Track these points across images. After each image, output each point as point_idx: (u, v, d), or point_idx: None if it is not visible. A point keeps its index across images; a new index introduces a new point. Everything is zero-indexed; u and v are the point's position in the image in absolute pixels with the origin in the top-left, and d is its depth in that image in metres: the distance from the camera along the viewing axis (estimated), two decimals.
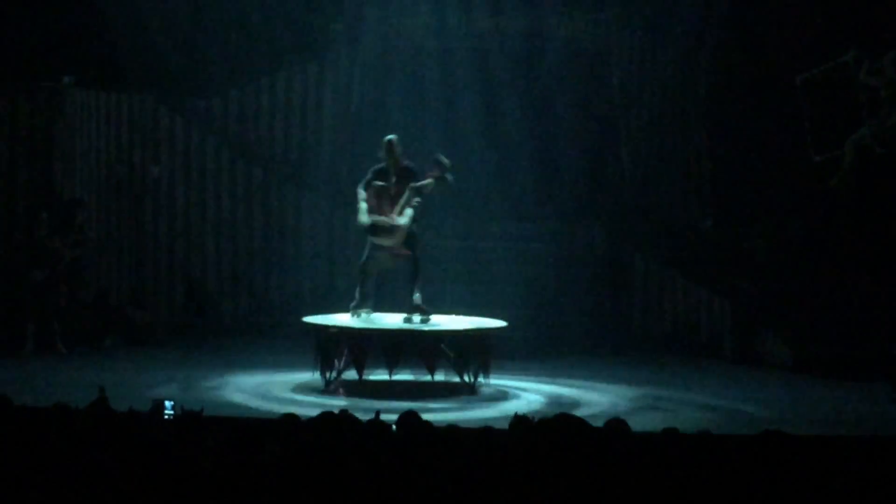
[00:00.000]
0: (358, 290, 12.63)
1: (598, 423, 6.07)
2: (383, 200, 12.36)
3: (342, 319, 12.64)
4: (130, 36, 16.02)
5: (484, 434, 6.19)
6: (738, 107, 15.69)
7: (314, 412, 6.59)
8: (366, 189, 12.39)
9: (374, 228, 12.36)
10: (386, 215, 12.35)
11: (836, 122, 14.56)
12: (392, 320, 12.72)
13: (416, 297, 12.48)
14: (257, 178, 16.72)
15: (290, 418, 6.40)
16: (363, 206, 12.33)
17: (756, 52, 15.48)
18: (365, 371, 12.16)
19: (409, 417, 6.36)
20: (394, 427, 6.37)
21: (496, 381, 12.60)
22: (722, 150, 16.00)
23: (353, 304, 12.62)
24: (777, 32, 15.25)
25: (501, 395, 12.28)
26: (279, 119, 16.88)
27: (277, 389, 12.29)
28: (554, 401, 12.02)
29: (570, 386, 12.89)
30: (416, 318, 12.54)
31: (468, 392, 12.27)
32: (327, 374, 12.28)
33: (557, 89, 16.52)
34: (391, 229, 12.34)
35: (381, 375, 12.24)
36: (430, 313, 12.56)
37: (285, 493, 5.56)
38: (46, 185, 15.14)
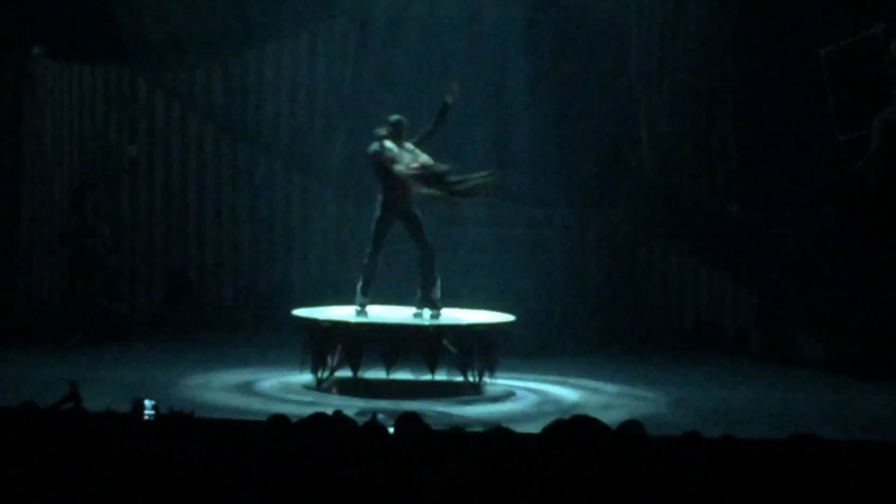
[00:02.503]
0: (364, 285, 12.58)
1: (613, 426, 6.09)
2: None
3: (336, 313, 12.65)
4: (106, 2, 15.99)
5: (489, 437, 6.20)
6: (768, 84, 15.67)
7: (305, 413, 6.60)
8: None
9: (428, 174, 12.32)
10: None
11: (863, 100, 14.57)
12: (392, 314, 12.74)
13: (435, 289, 12.52)
14: (244, 158, 16.72)
15: (279, 419, 6.41)
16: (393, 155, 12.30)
17: (786, 24, 15.46)
18: (360, 369, 12.18)
19: (408, 419, 6.37)
20: (391, 429, 6.38)
21: (503, 381, 12.62)
22: (750, 131, 15.99)
23: (360, 300, 12.58)
24: (804, 2, 15.24)
25: (509, 396, 12.30)
26: (268, 94, 16.86)
27: (265, 388, 12.32)
28: (565, 402, 12.04)
29: (584, 386, 12.91)
30: (427, 312, 12.55)
31: (472, 392, 12.29)
32: (319, 372, 12.30)
33: (572, 63, 16.49)
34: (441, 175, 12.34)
35: (377, 374, 12.26)
36: (441, 308, 12.59)
37: (273, 501, 5.57)
38: (14, 164, 15.15)
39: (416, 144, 12.43)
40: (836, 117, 14.71)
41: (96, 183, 15.45)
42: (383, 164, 12.34)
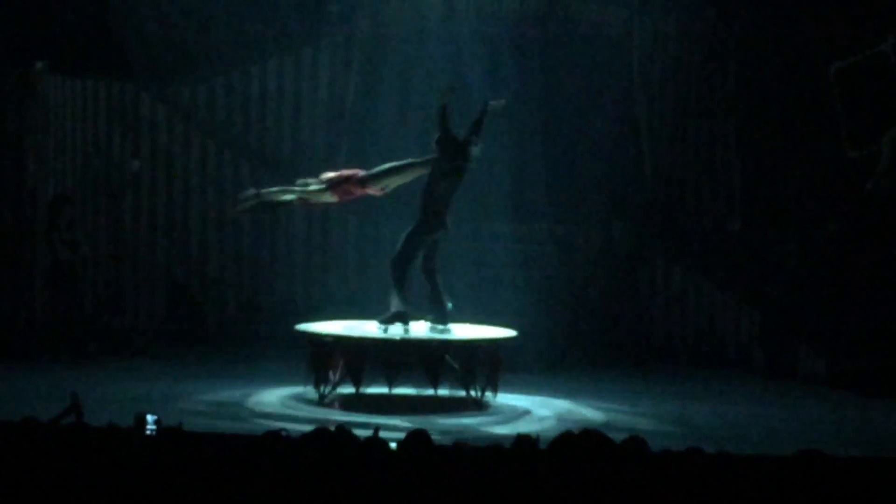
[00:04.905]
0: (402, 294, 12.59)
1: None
2: None
3: (337, 327, 12.63)
4: (109, 18, 16.00)
5: (492, 453, 6.17)
6: (770, 98, 15.66)
7: (307, 428, 6.58)
8: None
9: None
10: None
11: (873, 116, 14.57)
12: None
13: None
14: (246, 172, 16.70)
15: (274, 435, 6.38)
16: None
17: (790, 39, 15.46)
18: (363, 384, 12.15)
19: (414, 436, 6.33)
20: (393, 444, 6.36)
21: (505, 396, 12.59)
22: (751, 146, 15.98)
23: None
24: (811, 18, 15.23)
25: (511, 412, 12.27)
26: (270, 109, 16.86)
27: (267, 403, 12.29)
28: (568, 418, 12.01)
29: (586, 402, 12.88)
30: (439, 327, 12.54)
31: (475, 407, 12.26)
32: (322, 387, 12.28)
33: (572, 78, 16.49)
34: None
35: (380, 389, 12.24)
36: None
37: None
38: (18, 179, 15.14)
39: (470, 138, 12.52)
40: (847, 134, 14.70)
41: (73, 197, 15.39)
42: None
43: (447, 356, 12.26)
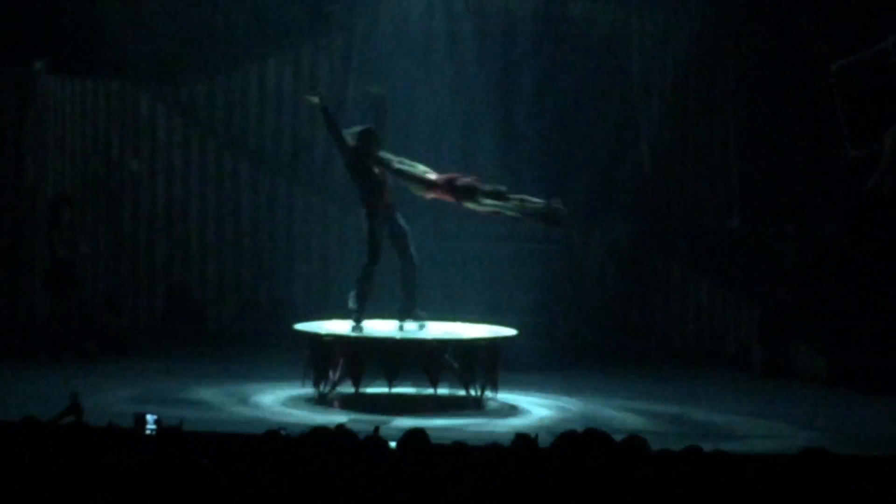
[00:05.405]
0: (362, 299, 12.54)
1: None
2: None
3: (337, 327, 12.63)
4: (107, 17, 16.00)
5: (491, 452, 6.18)
6: (769, 96, 15.67)
7: (307, 427, 6.58)
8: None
9: None
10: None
11: (874, 114, 14.56)
12: (389, 327, 12.72)
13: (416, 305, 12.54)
14: (245, 172, 16.71)
15: (274, 435, 6.38)
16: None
17: (789, 38, 15.46)
18: (362, 383, 12.15)
19: (412, 435, 6.34)
20: (392, 444, 6.36)
21: (505, 395, 12.59)
22: (750, 144, 15.98)
23: (358, 316, 12.55)
24: (811, 17, 15.24)
25: (510, 411, 12.27)
26: (269, 108, 16.85)
27: (266, 402, 12.30)
28: (567, 417, 12.02)
29: (585, 401, 12.88)
30: (410, 324, 12.52)
31: (474, 407, 12.26)
32: (321, 386, 12.28)
33: (571, 76, 16.49)
34: None
35: (379, 388, 12.24)
36: (426, 319, 12.56)
37: None
38: (17, 178, 15.14)
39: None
40: (847, 133, 14.70)
41: (72, 196, 15.39)
42: (403, 172, 12.40)
43: (446, 355, 12.26)
